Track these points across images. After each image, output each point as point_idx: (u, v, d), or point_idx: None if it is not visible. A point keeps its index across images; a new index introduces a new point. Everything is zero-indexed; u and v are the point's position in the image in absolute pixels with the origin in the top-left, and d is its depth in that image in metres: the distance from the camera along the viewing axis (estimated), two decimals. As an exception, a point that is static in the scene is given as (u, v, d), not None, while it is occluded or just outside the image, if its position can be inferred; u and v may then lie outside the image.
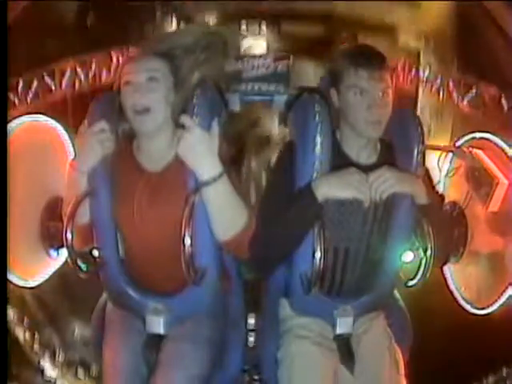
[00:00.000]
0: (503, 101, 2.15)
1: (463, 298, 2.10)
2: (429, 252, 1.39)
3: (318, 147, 1.35)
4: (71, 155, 2.08)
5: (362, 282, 1.49)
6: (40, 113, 2.10)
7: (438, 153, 2.16)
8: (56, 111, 2.43)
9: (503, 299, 1.87)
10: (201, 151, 1.29)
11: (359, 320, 1.52)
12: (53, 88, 2.46)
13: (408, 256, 1.61)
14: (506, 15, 1.99)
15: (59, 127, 2.12)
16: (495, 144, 1.93)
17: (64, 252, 2.00)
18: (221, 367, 1.50)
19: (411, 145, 1.43)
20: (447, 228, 1.67)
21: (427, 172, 1.53)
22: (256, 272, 1.64)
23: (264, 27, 3.57)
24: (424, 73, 2.88)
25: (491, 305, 1.92)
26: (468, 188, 2.05)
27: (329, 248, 1.39)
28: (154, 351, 1.44)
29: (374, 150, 1.45)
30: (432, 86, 2.82)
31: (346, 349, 1.49)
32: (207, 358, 1.44)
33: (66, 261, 2.10)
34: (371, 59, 1.34)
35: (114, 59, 2.93)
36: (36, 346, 2.32)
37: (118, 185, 1.43)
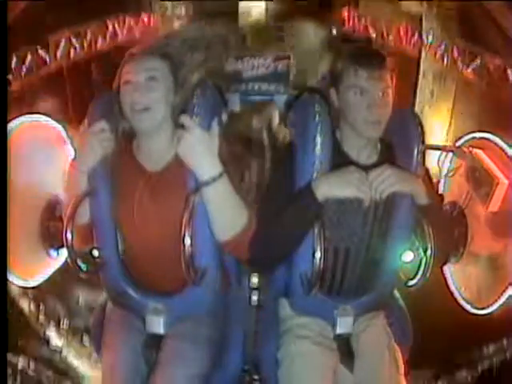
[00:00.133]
0: (509, 72, 2.13)
1: (463, 298, 2.10)
2: (429, 252, 1.39)
3: (318, 147, 1.35)
4: (71, 155, 2.08)
5: (362, 281, 1.49)
6: (35, 86, 2.09)
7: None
8: (52, 83, 2.44)
9: (503, 299, 1.87)
10: (201, 151, 1.29)
11: (359, 319, 1.52)
12: (47, 60, 2.46)
13: (408, 256, 1.61)
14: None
15: (59, 127, 2.12)
16: (495, 144, 1.93)
17: (64, 252, 2.00)
18: (221, 367, 1.50)
19: (411, 144, 1.43)
20: (447, 228, 1.67)
21: (427, 172, 1.53)
22: (256, 272, 1.64)
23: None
24: (427, 38, 2.87)
25: (491, 305, 1.92)
26: (468, 188, 2.05)
27: (329, 248, 1.39)
28: (153, 350, 1.45)
29: (374, 150, 1.45)
30: (436, 52, 2.81)
31: (346, 348, 1.49)
32: (207, 357, 1.44)
33: (66, 261, 2.10)
34: (371, 59, 1.34)
35: (110, 27, 2.94)
36: (41, 317, 2.32)
37: (118, 185, 1.43)
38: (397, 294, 1.69)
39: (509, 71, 2.13)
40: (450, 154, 2.11)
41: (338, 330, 1.50)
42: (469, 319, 2.04)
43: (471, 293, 2.06)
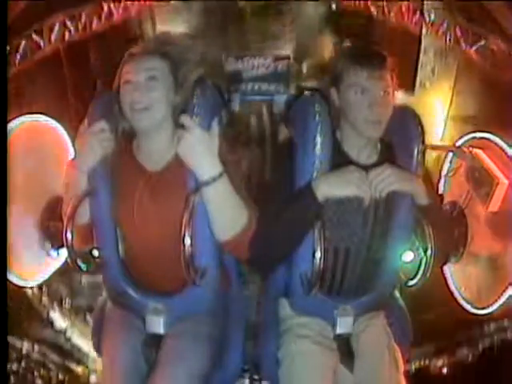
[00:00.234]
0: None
1: (463, 298, 2.10)
2: (429, 252, 1.39)
3: (318, 147, 1.35)
4: (71, 155, 2.09)
5: (363, 281, 1.49)
6: (30, 70, 2.08)
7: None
8: (47, 65, 2.44)
9: (503, 299, 1.87)
10: (201, 151, 1.29)
11: (359, 319, 1.52)
12: (42, 44, 2.47)
13: (408, 256, 1.61)
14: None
15: (59, 127, 2.12)
16: (495, 144, 1.93)
17: (64, 252, 2.00)
18: (221, 367, 1.50)
19: (411, 144, 1.43)
20: (447, 228, 1.67)
21: (427, 172, 1.53)
22: (256, 272, 1.64)
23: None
24: (429, 16, 2.87)
25: (491, 305, 1.92)
26: (468, 188, 2.05)
27: (329, 248, 1.39)
28: (153, 349, 1.44)
29: (374, 150, 1.45)
30: (438, 30, 2.81)
31: (346, 348, 1.49)
32: (207, 355, 1.44)
33: (66, 260, 2.10)
34: (372, 59, 1.34)
35: (105, 8, 2.94)
36: (44, 298, 2.33)
37: (118, 184, 1.43)
38: (397, 293, 1.70)
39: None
40: (450, 154, 2.12)
41: (338, 330, 1.50)
42: (469, 319, 2.05)
43: (471, 293, 2.06)
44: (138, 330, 1.48)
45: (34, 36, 2.41)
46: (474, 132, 2.04)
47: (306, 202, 1.33)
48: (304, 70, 3.87)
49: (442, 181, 2.13)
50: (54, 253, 2.11)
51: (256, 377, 1.76)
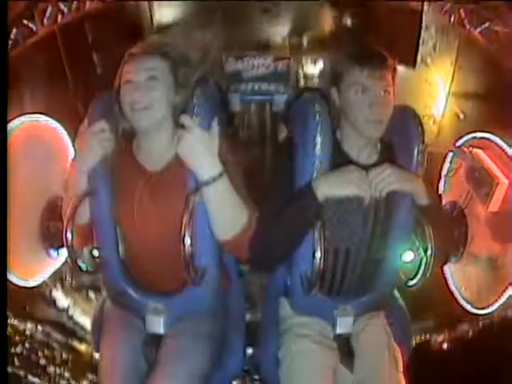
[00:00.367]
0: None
1: (463, 298, 2.10)
2: (429, 252, 1.39)
3: (318, 147, 1.35)
4: (71, 155, 2.09)
5: (363, 281, 1.49)
6: (23, 54, 2.08)
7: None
8: (41, 48, 2.43)
9: (503, 299, 1.87)
10: (200, 151, 1.29)
11: (359, 319, 1.52)
12: (34, 29, 2.47)
13: (408, 256, 1.61)
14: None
15: (59, 127, 2.12)
16: (495, 144, 1.93)
17: (64, 252, 2.00)
18: (221, 367, 1.50)
19: (411, 144, 1.43)
20: (447, 228, 1.67)
21: (427, 172, 1.53)
22: (256, 272, 1.64)
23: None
24: None
25: (491, 305, 1.92)
26: (468, 188, 2.05)
27: (329, 248, 1.39)
28: (153, 349, 1.45)
29: (374, 150, 1.45)
30: (442, 9, 2.81)
31: (346, 348, 1.49)
32: (207, 355, 1.44)
33: (66, 260, 2.11)
34: (373, 58, 1.34)
35: None
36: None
37: (118, 184, 1.43)
38: (397, 293, 1.70)
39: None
40: (450, 154, 2.12)
41: (338, 330, 1.50)
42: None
43: (471, 293, 2.06)
44: (138, 330, 1.48)
45: (26, 21, 2.40)
46: (474, 132, 2.04)
47: (306, 202, 1.33)
48: (304, 43, 3.85)
49: (442, 181, 2.13)
50: (54, 253, 2.11)
51: (256, 377, 1.76)
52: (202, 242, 1.38)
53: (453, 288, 2.15)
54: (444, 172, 2.14)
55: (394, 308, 1.66)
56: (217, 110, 1.43)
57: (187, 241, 1.29)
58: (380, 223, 1.43)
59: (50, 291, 2.38)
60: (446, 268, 2.16)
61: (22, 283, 2.00)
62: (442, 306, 2.21)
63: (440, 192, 2.10)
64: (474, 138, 2.03)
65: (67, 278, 2.46)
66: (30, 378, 2.23)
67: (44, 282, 2.30)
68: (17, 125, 1.93)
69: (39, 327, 2.27)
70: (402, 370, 1.49)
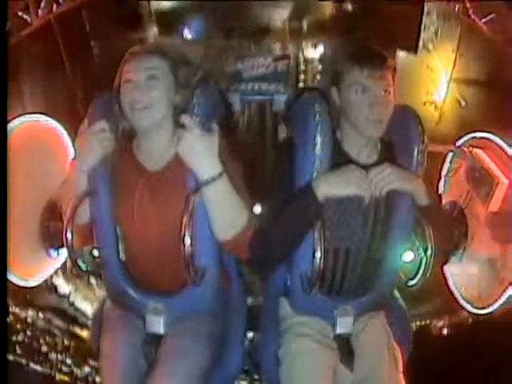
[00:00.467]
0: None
1: (463, 298, 2.10)
2: (429, 252, 1.39)
3: (318, 147, 1.35)
4: (71, 155, 2.08)
5: (363, 281, 1.49)
6: (20, 45, 2.07)
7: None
8: (38, 38, 2.43)
9: (503, 299, 1.87)
10: (200, 151, 1.29)
11: (359, 319, 1.52)
12: (29, 20, 2.46)
13: (408, 256, 1.61)
14: None
15: (59, 127, 2.12)
16: (495, 144, 1.93)
17: (64, 252, 2.00)
18: (221, 366, 1.50)
19: (411, 144, 1.43)
20: (447, 228, 1.67)
21: (427, 172, 1.53)
22: (256, 272, 1.64)
23: None
24: None
25: (491, 305, 1.92)
26: (468, 188, 2.05)
27: (329, 248, 1.39)
28: (153, 348, 1.45)
29: (374, 150, 1.45)
30: None
31: (346, 348, 1.49)
32: (207, 354, 1.44)
33: (66, 260, 2.11)
34: (373, 58, 1.35)
35: None
36: None
37: (118, 184, 1.43)
38: (396, 293, 1.70)
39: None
40: (450, 154, 2.11)
41: (338, 330, 1.50)
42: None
43: (471, 293, 2.06)
44: (138, 329, 1.48)
45: (20, 13, 2.39)
46: (474, 132, 2.04)
47: (306, 202, 1.33)
48: (304, 27, 3.84)
49: (442, 181, 2.13)
50: (54, 253, 2.11)
51: (256, 377, 1.76)
52: (202, 242, 1.38)
53: (453, 288, 2.15)
54: (444, 172, 2.14)
55: (394, 308, 1.65)
56: (217, 109, 1.43)
57: (187, 241, 1.29)
58: (380, 223, 1.43)
59: (51, 278, 2.37)
60: (446, 268, 2.16)
61: (22, 283, 2.00)
62: (442, 293, 2.21)
63: (440, 192, 2.10)
64: (474, 137, 2.03)
65: (68, 263, 2.46)
66: (32, 365, 2.24)
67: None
68: (17, 125, 1.93)
69: (40, 314, 2.28)
70: (401, 369, 1.49)
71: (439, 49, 2.98)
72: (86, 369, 2.39)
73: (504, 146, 1.89)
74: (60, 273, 2.41)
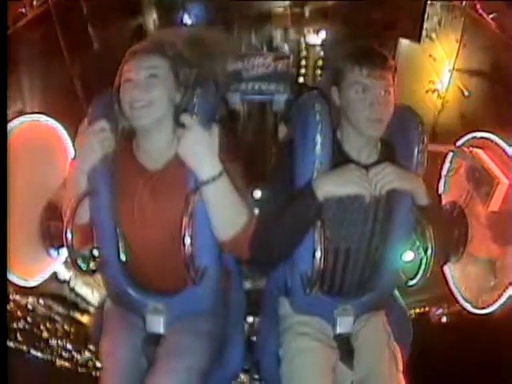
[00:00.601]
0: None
1: (463, 298, 2.10)
2: (429, 251, 1.39)
3: (318, 146, 1.35)
4: (71, 155, 2.08)
5: (363, 281, 1.49)
6: (18, 32, 2.06)
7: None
8: (36, 25, 2.43)
9: (503, 299, 1.87)
10: (200, 150, 1.29)
11: (359, 319, 1.52)
12: (23, 11, 2.47)
13: (408, 255, 1.60)
14: None
15: (59, 127, 2.12)
16: (496, 144, 1.93)
17: (64, 251, 2.00)
18: (221, 365, 1.50)
19: (412, 144, 1.43)
20: (447, 228, 1.67)
21: (427, 172, 1.53)
22: (256, 271, 1.64)
23: None
24: None
25: (491, 305, 1.92)
26: (468, 188, 2.05)
27: (329, 248, 1.39)
28: (154, 347, 1.45)
29: (374, 149, 1.44)
30: None
31: (346, 347, 1.49)
32: (207, 352, 1.44)
33: (66, 260, 2.10)
34: (373, 58, 1.35)
35: None
36: None
37: (119, 184, 1.43)
38: (397, 292, 1.70)
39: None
40: (450, 154, 2.11)
41: (338, 330, 1.50)
42: (469, 319, 2.05)
43: (471, 293, 2.06)
44: (139, 329, 1.49)
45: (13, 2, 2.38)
46: (474, 132, 2.04)
47: (306, 202, 1.33)
48: (306, 13, 3.82)
49: (442, 181, 2.13)
50: (54, 252, 2.11)
51: (256, 376, 1.76)
52: (202, 242, 1.38)
53: (453, 288, 2.15)
54: (444, 172, 2.14)
55: (394, 307, 1.66)
56: (217, 109, 1.43)
57: (187, 241, 1.29)
58: (380, 223, 1.43)
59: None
60: (446, 268, 2.15)
61: (22, 283, 2.00)
62: (441, 283, 2.20)
63: (440, 192, 2.10)
64: (474, 137, 2.03)
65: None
66: (33, 351, 2.24)
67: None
68: (17, 125, 1.93)
69: (41, 301, 2.28)
70: (401, 368, 1.49)
71: (442, 38, 2.98)
72: (87, 354, 2.40)
73: (504, 145, 1.89)
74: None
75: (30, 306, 2.25)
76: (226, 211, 1.34)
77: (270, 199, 1.44)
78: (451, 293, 2.15)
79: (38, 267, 2.09)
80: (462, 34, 2.71)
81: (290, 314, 1.54)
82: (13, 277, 1.92)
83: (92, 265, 1.50)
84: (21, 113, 1.99)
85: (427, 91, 3.11)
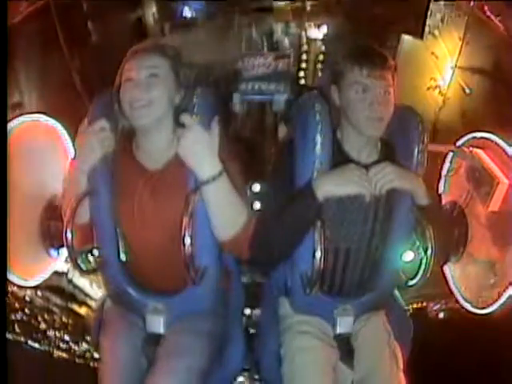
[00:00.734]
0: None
1: (463, 298, 2.10)
2: (429, 251, 1.39)
3: (318, 146, 1.35)
4: (71, 155, 2.08)
5: (363, 281, 1.49)
6: (17, 26, 2.06)
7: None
8: (35, 19, 2.43)
9: (503, 299, 1.87)
10: (201, 150, 1.29)
11: (359, 319, 1.52)
12: (20, 8, 2.45)
13: (408, 255, 1.61)
14: None
15: (59, 127, 2.12)
16: (496, 143, 1.93)
17: (64, 251, 2.00)
18: (221, 365, 1.50)
19: (412, 144, 1.43)
20: (447, 228, 1.67)
21: (427, 172, 1.53)
22: (256, 271, 1.64)
23: None
24: None
25: (491, 305, 1.92)
26: (468, 188, 2.05)
27: (329, 248, 1.39)
28: (154, 347, 1.45)
29: (374, 149, 1.45)
30: None
31: (346, 347, 1.49)
32: (207, 352, 1.44)
33: (66, 260, 2.10)
34: (374, 58, 1.35)
35: None
36: None
37: (119, 184, 1.43)
38: (397, 292, 1.70)
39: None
40: (450, 154, 2.11)
41: (338, 330, 1.50)
42: (469, 319, 2.05)
43: (471, 293, 2.06)
44: (139, 329, 1.49)
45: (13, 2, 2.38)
46: (474, 132, 2.04)
47: (306, 202, 1.33)
48: (307, 7, 3.81)
49: (442, 181, 2.12)
50: (54, 252, 2.11)
51: (256, 376, 1.76)
52: (202, 242, 1.38)
53: (453, 288, 2.15)
54: (444, 172, 2.13)
55: (395, 307, 1.66)
56: (217, 109, 1.43)
57: (187, 240, 1.29)
58: (380, 223, 1.43)
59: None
60: (446, 268, 2.15)
61: (22, 283, 1.99)
62: (440, 280, 2.20)
63: (440, 192, 2.10)
64: (474, 137, 2.02)
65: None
66: (31, 343, 2.24)
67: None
68: (17, 125, 1.92)
69: (39, 292, 2.27)
70: (402, 367, 1.49)
71: (445, 36, 2.98)
72: (84, 345, 2.39)
73: (504, 145, 1.89)
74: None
75: (27, 298, 2.24)
76: (225, 211, 1.34)
77: (270, 199, 1.44)
78: (451, 293, 2.15)
79: (38, 267, 2.08)
80: (464, 32, 2.71)
81: (290, 314, 1.54)
82: (13, 277, 1.91)
83: (92, 264, 1.50)
84: (19, 105, 1.98)
85: (429, 88, 3.10)
